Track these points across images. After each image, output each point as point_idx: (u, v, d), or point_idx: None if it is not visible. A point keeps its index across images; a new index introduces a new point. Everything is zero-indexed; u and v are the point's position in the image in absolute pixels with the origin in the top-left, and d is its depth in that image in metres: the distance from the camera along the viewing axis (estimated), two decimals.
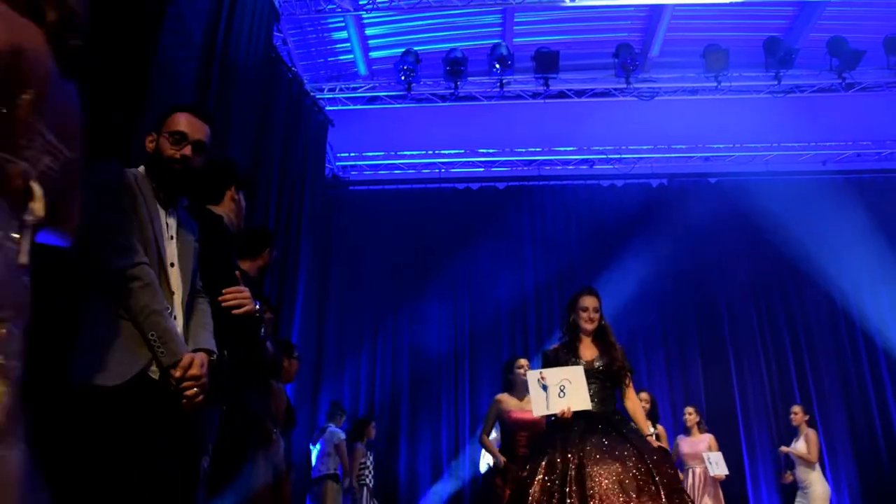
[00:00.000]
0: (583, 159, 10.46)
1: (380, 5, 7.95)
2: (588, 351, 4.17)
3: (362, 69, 9.32)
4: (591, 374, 4.00)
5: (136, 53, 3.57)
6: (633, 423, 4.02)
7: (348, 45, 9.00)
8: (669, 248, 9.50)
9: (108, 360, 2.08)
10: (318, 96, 8.99)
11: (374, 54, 9.25)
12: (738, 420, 9.09)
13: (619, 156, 10.32)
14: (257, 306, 2.85)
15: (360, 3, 7.93)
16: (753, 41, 8.69)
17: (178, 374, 2.14)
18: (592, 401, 3.89)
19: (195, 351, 2.26)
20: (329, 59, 9.32)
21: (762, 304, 9.78)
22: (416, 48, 8.72)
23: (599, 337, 4.23)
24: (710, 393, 9.24)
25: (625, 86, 8.87)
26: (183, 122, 2.39)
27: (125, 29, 3.41)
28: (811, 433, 7.37)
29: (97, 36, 3.43)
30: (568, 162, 10.54)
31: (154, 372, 2.15)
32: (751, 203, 9.47)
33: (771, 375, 9.39)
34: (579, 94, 9.15)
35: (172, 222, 2.40)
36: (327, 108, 9.24)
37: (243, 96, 6.06)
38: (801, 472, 7.28)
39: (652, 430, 4.31)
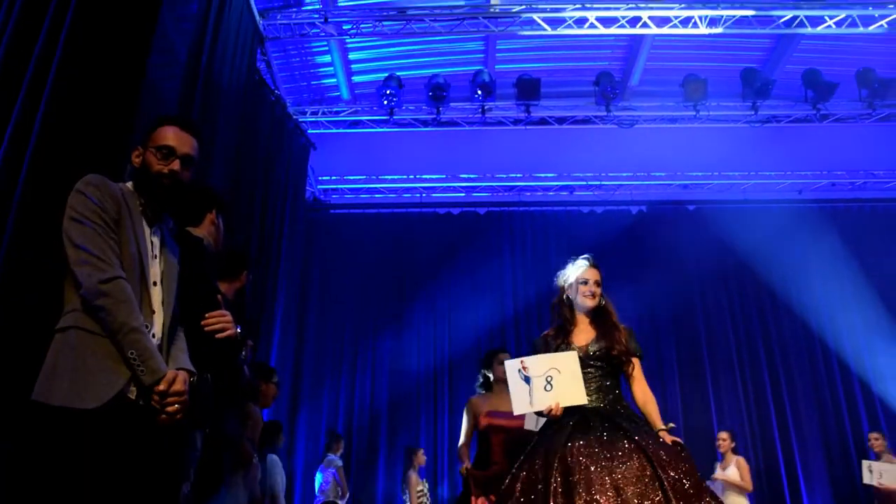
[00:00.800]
0: (563, 186, 10.53)
1: (363, 31, 8.00)
2: (583, 335, 3.52)
3: (345, 93, 9.36)
4: (585, 360, 3.37)
5: (125, 71, 3.55)
6: (640, 417, 3.33)
7: (332, 69, 9.05)
8: (648, 273, 9.55)
9: (85, 381, 2.01)
10: (300, 119, 9.00)
11: (357, 79, 9.30)
12: (714, 441, 9.10)
13: (598, 182, 10.40)
14: (238, 330, 2.83)
15: (344, 28, 7.98)
16: (731, 72, 8.86)
17: (162, 387, 2.07)
18: (589, 394, 3.27)
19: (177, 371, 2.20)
20: (312, 82, 9.36)
21: (740, 329, 9.88)
22: (398, 73, 8.79)
23: (599, 317, 3.57)
24: (689, 414, 9.30)
25: (605, 114, 8.98)
26: (170, 135, 2.32)
27: (114, 46, 3.39)
28: (742, 460, 7.27)
29: (88, 51, 3.43)
30: (548, 188, 10.60)
31: (132, 392, 2.08)
32: (728, 230, 9.58)
33: (748, 397, 9.48)
34: (560, 121, 9.26)
35: (157, 241, 2.34)
36: (310, 131, 9.25)
37: (226, 117, 6.04)
38: (731, 499, 7.02)
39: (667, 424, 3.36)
